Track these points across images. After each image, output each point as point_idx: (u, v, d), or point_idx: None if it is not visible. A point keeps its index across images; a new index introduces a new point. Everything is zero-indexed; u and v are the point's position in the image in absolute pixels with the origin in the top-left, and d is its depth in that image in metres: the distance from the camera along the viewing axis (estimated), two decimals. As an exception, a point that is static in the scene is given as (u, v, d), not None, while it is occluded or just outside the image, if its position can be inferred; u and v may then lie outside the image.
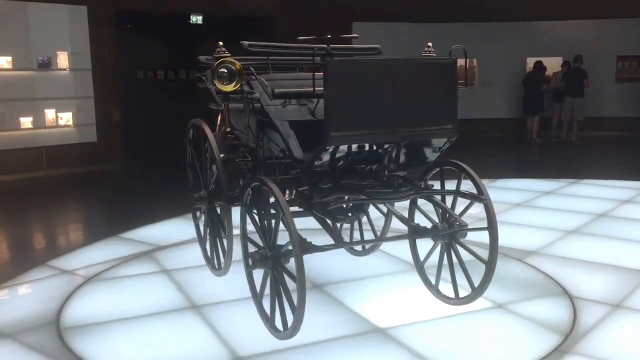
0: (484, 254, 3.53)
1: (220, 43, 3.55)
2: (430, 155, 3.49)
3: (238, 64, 3.50)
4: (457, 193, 3.59)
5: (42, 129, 9.17)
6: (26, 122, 9.01)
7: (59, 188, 8.33)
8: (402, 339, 3.37)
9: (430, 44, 3.62)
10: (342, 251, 4.58)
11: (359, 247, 4.67)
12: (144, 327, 3.60)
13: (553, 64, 13.10)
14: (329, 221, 3.72)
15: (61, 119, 9.34)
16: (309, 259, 3.07)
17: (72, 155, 9.28)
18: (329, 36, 3.71)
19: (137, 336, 3.48)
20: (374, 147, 3.27)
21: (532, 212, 6.27)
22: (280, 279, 3.21)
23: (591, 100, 12.49)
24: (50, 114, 9.22)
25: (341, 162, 3.28)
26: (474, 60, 13.64)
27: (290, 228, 2.98)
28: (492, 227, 3.49)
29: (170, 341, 3.41)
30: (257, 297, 3.47)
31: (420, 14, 12.47)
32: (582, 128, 12.36)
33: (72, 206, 7.60)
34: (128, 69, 13.68)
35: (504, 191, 7.28)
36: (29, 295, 4.26)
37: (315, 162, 3.18)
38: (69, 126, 9.43)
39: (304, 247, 3.01)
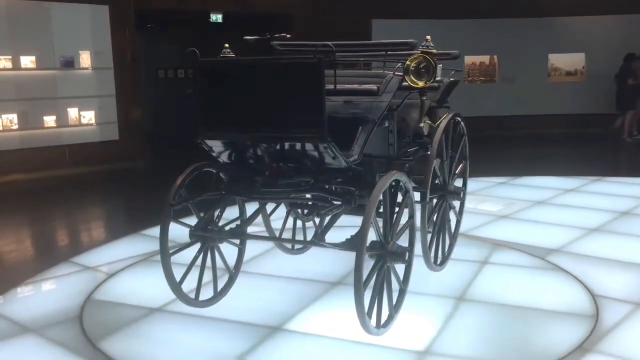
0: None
1: (226, 45, 3.62)
2: (333, 161, 3.16)
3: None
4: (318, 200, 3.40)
5: (65, 127, 9.31)
6: (49, 120, 9.15)
7: (82, 186, 8.42)
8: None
9: (428, 37, 3.33)
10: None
11: None
12: (169, 324, 3.63)
13: (576, 60, 12.89)
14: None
15: (84, 117, 9.47)
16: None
17: (94, 153, 9.40)
18: (268, 36, 3.76)
19: (161, 332, 3.52)
20: (254, 147, 3.27)
21: (554, 209, 6.20)
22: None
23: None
24: (73, 112, 9.35)
25: (252, 159, 3.36)
26: (495, 56, 13.52)
27: None
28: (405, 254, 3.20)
29: (195, 338, 3.43)
30: None
31: (440, 11, 12.38)
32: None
33: (94, 204, 7.69)
34: (149, 67, 13.79)
35: (526, 189, 7.21)
36: (52, 291, 4.32)
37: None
38: (91, 125, 9.55)
39: None
